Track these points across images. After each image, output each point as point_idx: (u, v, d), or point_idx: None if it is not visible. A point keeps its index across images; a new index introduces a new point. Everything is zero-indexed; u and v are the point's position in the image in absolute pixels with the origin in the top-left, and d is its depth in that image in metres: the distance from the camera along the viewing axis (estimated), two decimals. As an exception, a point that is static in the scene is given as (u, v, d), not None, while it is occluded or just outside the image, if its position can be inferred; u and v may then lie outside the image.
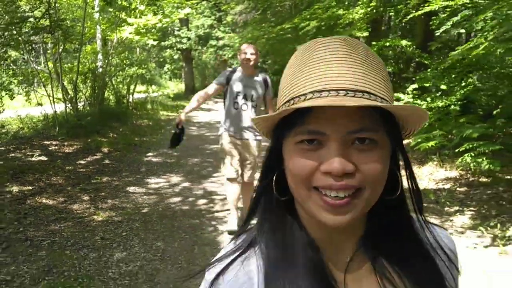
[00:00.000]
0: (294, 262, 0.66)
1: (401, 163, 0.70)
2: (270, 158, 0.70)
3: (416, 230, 0.72)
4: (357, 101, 0.57)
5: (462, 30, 7.64)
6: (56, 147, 8.02)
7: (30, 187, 5.58)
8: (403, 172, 0.69)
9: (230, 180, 4.42)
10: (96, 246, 3.98)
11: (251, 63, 4.25)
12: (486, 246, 3.96)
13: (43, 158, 7.16)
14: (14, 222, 4.45)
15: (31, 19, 8.64)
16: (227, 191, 4.56)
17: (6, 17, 8.44)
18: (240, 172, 4.43)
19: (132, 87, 14.91)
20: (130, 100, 14.94)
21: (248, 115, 4.32)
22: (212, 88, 4.46)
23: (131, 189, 5.91)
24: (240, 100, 4.33)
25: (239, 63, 4.36)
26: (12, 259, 3.65)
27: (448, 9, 7.33)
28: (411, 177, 0.69)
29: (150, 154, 8.35)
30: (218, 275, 0.67)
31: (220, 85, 4.42)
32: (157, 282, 3.37)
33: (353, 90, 0.59)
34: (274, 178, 0.69)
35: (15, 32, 8.72)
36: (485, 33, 5.37)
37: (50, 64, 10.34)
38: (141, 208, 5.11)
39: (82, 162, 7.28)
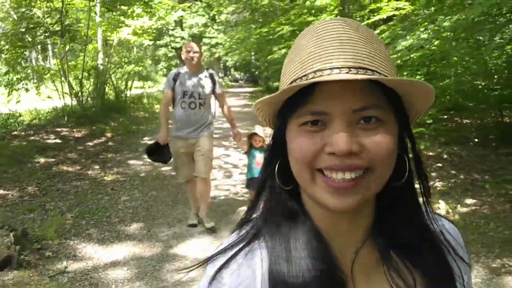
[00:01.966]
0: (299, 254, 0.65)
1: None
2: (274, 145, 0.69)
3: (425, 220, 0.70)
4: (358, 76, 0.57)
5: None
6: (67, 133, 9.73)
7: (53, 159, 7.31)
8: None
9: (188, 181, 4.64)
10: (108, 193, 5.72)
11: (194, 61, 4.30)
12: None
13: (58, 140, 8.88)
14: (46, 180, 6.18)
15: (45, 25, 10.30)
16: (188, 190, 4.80)
17: (24, 23, 10.16)
18: (192, 172, 4.50)
19: (130, 83, 16.62)
20: (128, 94, 16.64)
21: (196, 113, 4.38)
22: (167, 96, 4.48)
23: (131, 162, 7.63)
24: (187, 99, 4.36)
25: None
26: (51, 199, 5.39)
27: (395, 17, 9.05)
28: (418, 162, 0.68)
29: (146, 138, 10.06)
30: (221, 268, 0.66)
31: (171, 89, 4.42)
32: (151, 212, 5.10)
33: (355, 67, 0.58)
34: (277, 165, 0.68)
35: (30, 36, 10.43)
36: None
37: (55, 61, 12.01)
38: (140, 173, 6.84)
39: (90, 143, 9.00)
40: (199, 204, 4.61)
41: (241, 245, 0.68)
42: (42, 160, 7.16)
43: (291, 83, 0.62)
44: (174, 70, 4.56)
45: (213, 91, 4.48)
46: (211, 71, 4.58)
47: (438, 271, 0.69)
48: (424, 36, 5.52)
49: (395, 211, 0.68)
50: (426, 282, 0.67)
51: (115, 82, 15.55)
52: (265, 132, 4.70)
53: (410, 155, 0.68)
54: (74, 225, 4.54)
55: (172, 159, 4.57)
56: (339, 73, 0.57)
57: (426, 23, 6.30)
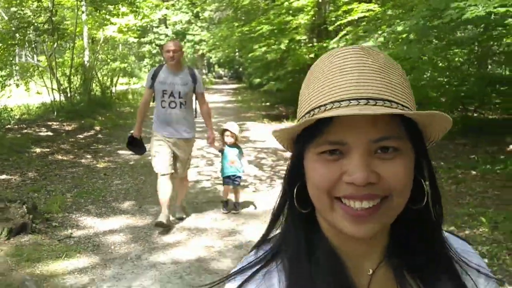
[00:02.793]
0: (317, 276, 0.66)
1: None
2: (292, 170, 0.70)
3: (440, 242, 0.71)
4: (378, 109, 0.58)
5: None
6: (58, 126, 10.35)
7: (48, 150, 7.97)
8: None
9: (162, 176, 4.47)
10: (101, 177, 6.42)
11: (174, 60, 4.32)
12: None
13: (50, 133, 9.51)
14: (44, 167, 6.85)
15: (35, 24, 10.88)
16: (159, 186, 4.55)
17: (15, 22, 10.73)
18: (171, 168, 4.51)
19: (115, 79, 17.21)
20: (114, 91, 17.22)
21: (176, 112, 4.39)
22: (146, 94, 4.58)
23: (120, 152, 8.31)
24: (167, 98, 4.37)
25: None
26: (50, 182, 6.07)
27: (365, 18, 9.84)
28: (434, 187, 0.69)
29: (132, 131, 10.71)
30: (240, 286, 0.68)
31: (151, 87, 4.47)
32: (141, 193, 5.81)
33: (374, 99, 0.59)
34: (295, 190, 0.69)
35: (20, 34, 10.99)
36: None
37: (41, 58, 12.54)
38: (129, 161, 7.54)
39: (81, 136, 9.65)
40: (168, 215, 4.52)
41: (259, 266, 0.70)
42: (38, 150, 7.81)
43: (308, 111, 0.63)
44: (154, 68, 4.62)
45: (194, 90, 4.50)
46: (192, 70, 4.62)
47: None
48: (381, 39, 6.30)
49: (411, 233, 0.69)
50: None
51: (101, 78, 16.14)
52: (235, 128, 4.93)
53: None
54: (74, 203, 5.25)
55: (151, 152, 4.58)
56: (358, 104, 0.58)
57: (384, 27, 7.10)
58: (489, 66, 13.06)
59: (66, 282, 3.43)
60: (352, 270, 0.68)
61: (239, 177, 5.08)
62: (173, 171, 4.53)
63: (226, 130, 4.86)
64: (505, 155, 7.37)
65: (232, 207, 5.12)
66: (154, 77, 4.42)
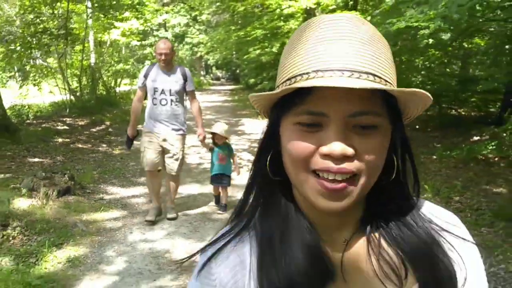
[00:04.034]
0: (289, 244, 0.67)
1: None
2: (266, 138, 0.70)
3: (416, 212, 0.72)
4: (362, 83, 0.57)
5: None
6: (71, 122, 11.60)
7: (68, 140, 9.23)
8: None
9: (150, 172, 4.75)
10: (118, 160, 7.70)
11: (163, 60, 4.45)
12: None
13: (66, 127, 10.77)
14: (68, 153, 8.12)
15: (51, 29, 12.16)
16: (148, 183, 4.92)
17: (32, 28, 12.01)
18: (159, 165, 4.74)
19: (119, 80, 18.47)
20: (117, 91, 18.48)
21: (167, 109, 4.54)
22: (139, 92, 4.72)
23: (131, 142, 9.57)
24: (158, 95, 4.52)
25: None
26: (77, 163, 7.33)
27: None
28: (410, 158, 0.70)
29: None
30: (210, 258, 0.69)
31: (143, 85, 4.62)
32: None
33: (358, 71, 0.58)
34: (268, 158, 0.69)
35: (36, 39, 12.26)
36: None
37: (50, 60, 13.82)
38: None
39: (94, 129, 10.91)
40: (160, 206, 4.87)
41: (231, 235, 0.71)
42: (60, 140, 9.08)
43: (289, 78, 0.62)
44: (146, 67, 4.76)
45: (184, 88, 4.65)
46: (183, 68, 4.74)
47: (431, 258, 0.69)
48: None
49: (384, 204, 0.70)
50: (418, 270, 0.68)
51: (106, 79, 17.38)
52: (225, 130, 4.98)
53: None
54: (100, 177, 6.52)
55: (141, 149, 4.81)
56: (341, 76, 0.58)
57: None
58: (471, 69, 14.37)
59: (106, 225, 4.71)
60: (327, 241, 0.69)
61: (228, 176, 5.09)
62: (160, 167, 4.76)
63: (214, 133, 4.97)
64: (465, 144, 8.67)
65: (220, 207, 5.15)
66: (146, 76, 4.58)
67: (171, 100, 4.56)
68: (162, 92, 4.53)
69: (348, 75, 0.58)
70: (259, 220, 0.71)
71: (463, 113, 12.72)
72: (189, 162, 7.73)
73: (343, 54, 0.59)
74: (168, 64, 4.56)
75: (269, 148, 0.70)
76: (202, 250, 0.73)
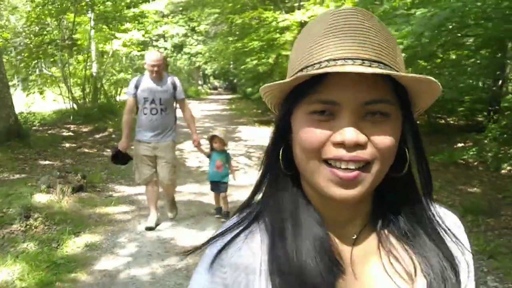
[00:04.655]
0: (299, 238, 0.67)
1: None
2: (278, 131, 0.71)
3: (425, 209, 0.73)
4: (373, 70, 0.58)
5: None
6: (76, 128, 12.20)
7: (75, 145, 9.82)
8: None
9: (144, 185, 4.97)
10: (124, 163, 8.27)
11: (154, 71, 4.56)
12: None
13: (71, 133, 11.37)
14: (76, 156, 8.72)
15: (57, 40, 12.81)
16: (146, 193, 5.09)
17: (39, 38, 12.65)
18: (153, 177, 4.87)
19: (119, 89, 19.10)
20: (118, 99, 19.09)
21: (157, 118, 4.63)
22: (129, 103, 4.76)
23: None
24: (149, 105, 4.58)
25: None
26: (85, 166, 7.92)
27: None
28: (421, 155, 0.70)
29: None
30: (221, 250, 0.69)
31: (134, 96, 4.66)
32: (156, 173, 7.67)
33: (369, 60, 0.60)
34: (280, 151, 0.70)
35: (42, 49, 12.90)
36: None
37: (53, 69, 14.47)
38: (142, 153, 9.41)
39: (97, 136, 11.50)
40: (158, 213, 5.03)
41: (241, 228, 0.71)
42: (67, 145, 9.68)
43: (301, 70, 0.63)
44: (135, 77, 4.81)
45: (174, 97, 4.74)
46: (172, 78, 4.83)
47: (440, 259, 0.69)
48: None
49: (394, 199, 0.72)
50: (427, 267, 0.69)
51: (106, 88, 17.99)
52: (224, 135, 5.09)
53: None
54: (108, 178, 7.11)
55: (133, 161, 4.95)
56: (353, 64, 0.59)
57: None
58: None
59: (116, 218, 5.30)
60: (336, 235, 0.70)
61: (225, 183, 5.15)
62: (154, 178, 4.89)
63: (214, 136, 5.02)
64: (449, 150, 9.30)
65: (223, 216, 5.22)
66: (137, 86, 4.63)
67: (161, 109, 4.64)
68: (152, 101, 4.61)
69: (359, 63, 0.59)
70: (269, 212, 0.71)
71: (451, 122, 13.39)
72: (189, 165, 8.33)
73: (354, 44, 0.61)
74: (159, 75, 4.66)
75: (281, 141, 0.70)
76: (210, 241, 0.72)
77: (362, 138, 0.61)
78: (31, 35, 12.69)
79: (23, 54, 12.56)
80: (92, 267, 4.00)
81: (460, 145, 9.88)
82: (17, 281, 3.67)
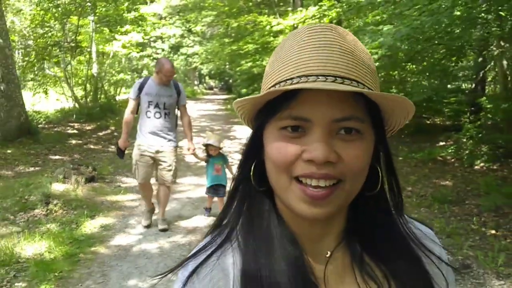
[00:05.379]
0: (272, 257, 0.67)
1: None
2: (250, 146, 0.71)
3: (399, 227, 0.73)
4: (345, 87, 0.58)
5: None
6: (79, 126, 12.89)
7: (81, 141, 10.52)
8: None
9: (142, 184, 5.00)
10: (128, 158, 8.94)
11: (167, 82, 4.71)
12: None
13: (75, 131, 12.05)
14: (83, 152, 9.43)
15: (61, 42, 13.50)
16: (140, 192, 5.24)
17: (43, 41, 13.34)
18: (151, 176, 4.99)
19: (118, 89, 19.79)
20: (117, 99, 19.77)
21: (161, 122, 4.71)
22: (131, 104, 4.79)
23: (135, 144, 10.89)
24: (153, 108, 4.65)
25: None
26: (93, 160, 8.61)
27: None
28: (392, 173, 0.71)
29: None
30: (193, 272, 0.68)
31: (136, 98, 4.71)
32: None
33: (341, 77, 0.60)
34: (252, 167, 0.70)
35: (47, 51, 13.59)
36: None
37: (55, 70, 15.17)
38: (144, 150, 10.13)
39: (100, 133, 12.21)
40: (153, 207, 5.21)
41: (213, 248, 0.70)
42: (73, 141, 10.39)
43: (274, 85, 0.64)
44: (140, 80, 4.88)
45: (177, 102, 4.85)
46: (176, 82, 4.92)
47: (415, 278, 0.70)
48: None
49: (368, 217, 0.72)
50: (401, 285, 0.69)
51: (106, 88, 18.68)
52: (218, 140, 5.17)
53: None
54: (116, 171, 7.82)
55: (133, 162, 4.99)
56: (325, 81, 0.59)
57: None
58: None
59: (126, 204, 6.02)
60: (310, 253, 0.70)
61: (224, 186, 5.22)
62: (152, 178, 5.04)
63: (208, 145, 5.14)
64: (431, 148, 10.06)
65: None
66: (141, 88, 4.70)
67: (165, 114, 4.73)
68: (157, 105, 4.69)
69: (331, 80, 0.59)
70: (242, 231, 0.71)
71: (438, 122, 14.15)
72: (188, 161, 9.03)
73: (327, 60, 0.61)
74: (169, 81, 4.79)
75: (253, 156, 0.70)
76: (183, 264, 0.72)
77: (332, 155, 0.61)
78: (36, 37, 13.35)
79: (29, 56, 13.21)
80: (108, 243, 4.72)
81: (441, 143, 10.62)
82: (46, 253, 4.37)
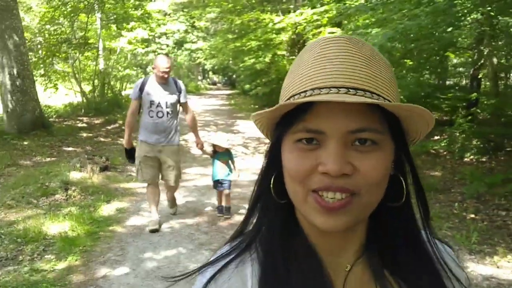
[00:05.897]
0: (292, 268, 0.67)
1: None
2: (270, 158, 0.71)
3: (422, 242, 0.72)
4: (356, 98, 0.58)
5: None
6: (89, 120, 13.46)
7: (91, 134, 11.09)
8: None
9: (148, 186, 5.03)
10: (137, 150, 9.57)
11: (164, 78, 4.66)
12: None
13: (85, 125, 12.63)
14: (94, 144, 10.00)
15: (71, 39, 14.06)
16: (147, 193, 5.17)
17: (54, 37, 13.91)
18: (157, 177, 5.00)
19: (124, 84, 20.37)
20: (123, 94, 20.34)
21: (163, 121, 4.72)
22: (133, 105, 4.81)
23: (143, 137, 11.46)
24: (155, 108, 4.65)
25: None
26: (103, 152, 9.18)
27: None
28: (417, 184, 0.71)
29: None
30: (211, 279, 0.69)
31: (138, 98, 4.71)
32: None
33: (354, 88, 0.60)
34: (272, 179, 0.70)
35: (58, 47, 14.16)
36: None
37: (63, 65, 15.73)
38: (152, 143, 10.70)
39: (109, 127, 12.78)
40: (158, 219, 5.09)
41: (232, 256, 0.71)
42: (84, 134, 10.96)
43: (289, 98, 0.65)
44: (140, 80, 4.84)
45: (179, 100, 4.83)
46: (177, 80, 4.93)
47: None
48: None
49: (390, 230, 0.70)
50: None
51: (113, 83, 19.25)
52: (226, 141, 5.28)
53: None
54: (126, 162, 8.34)
55: (136, 161, 5.01)
56: (338, 92, 0.59)
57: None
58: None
59: (137, 191, 6.60)
60: (329, 266, 0.69)
61: (229, 181, 5.37)
62: (157, 179, 5.03)
63: (215, 145, 5.27)
64: (424, 141, 10.57)
65: (225, 212, 5.46)
66: (142, 89, 4.70)
67: (167, 113, 4.74)
68: (159, 105, 4.70)
69: (344, 92, 0.59)
70: (261, 242, 0.72)
71: (436, 117, 14.61)
72: (193, 153, 9.58)
73: (340, 72, 0.61)
74: (167, 79, 4.76)
75: (273, 169, 0.71)
76: (201, 269, 0.73)
77: (347, 168, 0.60)
78: (47, 34, 13.92)
79: (41, 52, 13.78)
80: (124, 223, 5.29)
81: (436, 137, 11.13)
82: (69, 232, 4.94)
